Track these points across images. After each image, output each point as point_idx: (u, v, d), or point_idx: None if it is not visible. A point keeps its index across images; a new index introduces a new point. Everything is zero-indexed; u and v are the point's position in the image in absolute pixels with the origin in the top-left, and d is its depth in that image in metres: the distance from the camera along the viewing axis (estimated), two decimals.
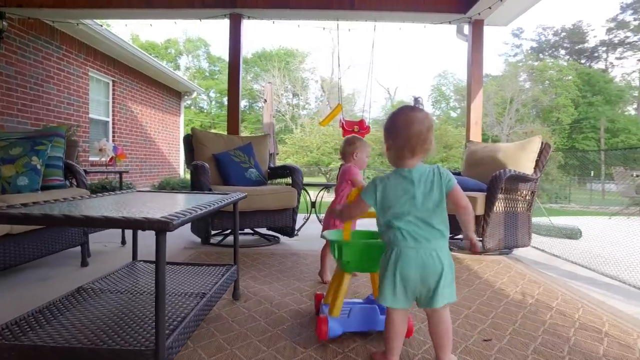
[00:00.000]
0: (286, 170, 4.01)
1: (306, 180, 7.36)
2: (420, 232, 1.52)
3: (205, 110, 37.98)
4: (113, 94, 8.41)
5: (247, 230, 4.16)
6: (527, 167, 3.67)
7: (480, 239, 3.45)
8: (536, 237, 4.36)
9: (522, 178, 3.55)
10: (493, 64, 51.69)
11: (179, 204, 1.74)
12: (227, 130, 5.68)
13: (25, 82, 5.95)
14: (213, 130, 31.61)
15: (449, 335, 1.54)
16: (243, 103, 38.40)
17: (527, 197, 3.72)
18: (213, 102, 38.43)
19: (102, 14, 5.68)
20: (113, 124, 8.43)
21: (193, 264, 2.27)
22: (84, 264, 2.90)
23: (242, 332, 1.84)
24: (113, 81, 8.35)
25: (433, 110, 34.67)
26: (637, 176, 8.35)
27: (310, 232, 4.58)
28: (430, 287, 1.49)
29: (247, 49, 39.32)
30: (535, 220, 5.24)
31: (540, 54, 32.42)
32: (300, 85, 36.60)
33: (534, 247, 3.94)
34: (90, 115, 7.59)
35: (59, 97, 6.66)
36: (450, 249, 3.51)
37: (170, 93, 11.16)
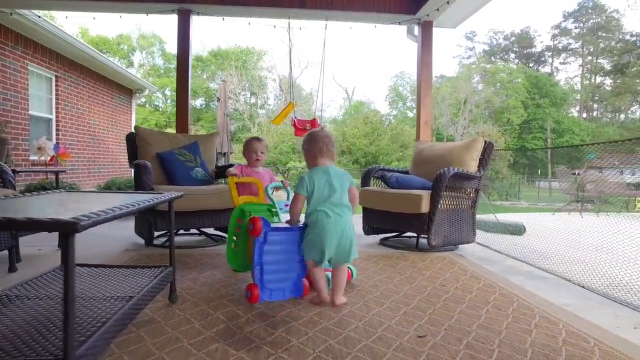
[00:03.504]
0: (224, 169, 3.93)
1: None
2: (337, 210, 2.17)
3: (160, 109, 36.93)
4: (57, 90, 7.99)
5: (194, 231, 4.05)
6: (471, 165, 3.77)
7: (426, 236, 3.51)
8: (482, 234, 4.50)
9: (466, 176, 3.64)
10: (448, 66, 53.23)
11: (102, 204, 1.64)
12: (176, 128, 5.53)
13: None
14: (169, 129, 30.81)
15: (344, 282, 2.26)
16: (199, 102, 37.69)
17: (472, 195, 3.82)
18: (169, 101, 37.42)
19: (41, 4, 5.39)
20: (57, 121, 8.02)
21: (127, 266, 2.17)
22: (12, 269, 2.71)
23: (174, 336, 1.77)
24: (56, 76, 7.94)
25: (390, 110, 35.27)
26: (578, 174, 8.77)
27: None
28: (345, 248, 2.16)
29: (203, 47, 38.60)
30: (481, 217, 5.41)
31: (492, 57, 33.69)
32: (257, 84, 36.25)
33: (479, 244, 4.05)
34: (31, 112, 7.18)
35: None
36: (397, 247, 3.58)
37: (121, 90, 10.75)
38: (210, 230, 4.11)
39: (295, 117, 5.94)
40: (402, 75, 34.73)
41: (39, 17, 6.14)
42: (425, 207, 3.43)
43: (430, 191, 3.47)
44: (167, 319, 1.96)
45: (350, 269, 2.66)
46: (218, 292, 2.40)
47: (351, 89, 39.85)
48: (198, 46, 37.86)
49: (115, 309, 1.54)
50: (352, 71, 50.58)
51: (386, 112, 34.72)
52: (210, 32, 52.16)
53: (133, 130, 4.04)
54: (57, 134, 8.01)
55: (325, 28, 5.78)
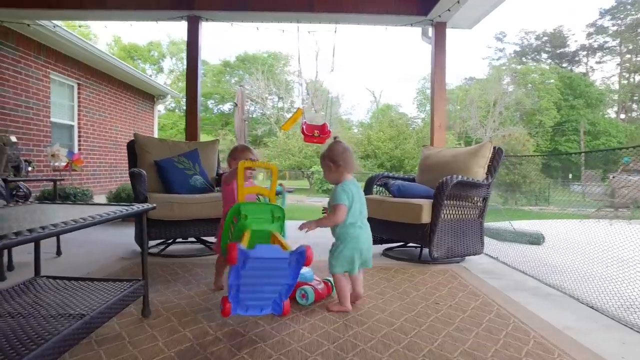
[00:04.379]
0: None
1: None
2: (365, 221, 2.40)
3: None
4: (79, 98, 8.19)
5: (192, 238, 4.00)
6: (477, 173, 3.57)
7: (420, 246, 3.34)
8: (495, 244, 4.27)
9: (471, 184, 3.44)
10: (477, 67, 52.15)
11: (58, 217, 1.59)
12: (186, 135, 5.53)
13: None
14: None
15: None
16: (228, 106, 38.21)
17: (479, 204, 3.62)
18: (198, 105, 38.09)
19: (54, 14, 5.51)
20: (79, 128, 8.21)
21: (98, 279, 2.11)
22: (2, 278, 2.73)
23: (132, 355, 1.70)
24: (78, 84, 8.14)
25: (418, 113, 34.78)
26: (613, 178, 8.32)
27: None
28: (369, 255, 2.39)
29: (230, 53, 39.18)
30: (496, 225, 5.16)
31: (523, 58, 32.73)
32: (284, 88, 36.47)
33: (488, 255, 3.84)
34: (53, 119, 7.37)
35: (15, 100, 6.44)
36: (399, 258, 3.41)
37: (143, 96, 10.95)
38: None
39: (305, 123, 5.83)
40: (429, 77, 34.17)
41: (55, 26, 6.28)
42: (426, 217, 3.26)
43: (432, 200, 3.30)
44: (133, 335, 1.89)
45: (330, 282, 2.54)
46: (196, 306, 2.32)
47: (378, 92, 39.65)
48: (225, 52, 38.54)
49: (61, 329, 1.47)
50: (379, 74, 50.21)
51: (414, 115, 34.28)
52: (237, 38, 52.92)
53: (134, 137, 4.04)
54: (79, 140, 8.20)
55: (335, 32, 5.67)
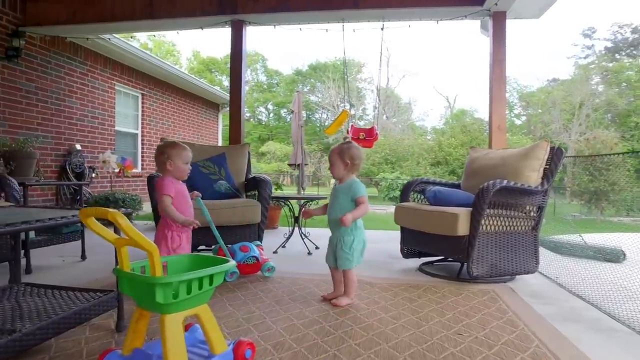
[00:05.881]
0: (254, 182, 3.68)
1: (293, 193, 7.00)
2: None
3: (263, 122, 38.80)
4: (142, 107, 8.58)
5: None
6: (530, 177, 3.05)
7: (455, 261, 2.89)
8: (562, 260, 3.66)
9: (521, 191, 2.94)
10: (562, 68, 48.39)
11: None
12: (230, 139, 5.49)
13: (46, 97, 6.14)
14: (270, 142, 32.09)
15: None
16: (302, 116, 38.85)
17: (532, 214, 3.09)
18: (271, 115, 39.21)
19: (109, 27, 5.74)
20: (142, 136, 8.59)
21: (73, 288, 1.98)
22: (14, 281, 2.73)
23: None
24: (142, 94, 8.52)
25: None
26: None
27: (296, 249, 4.20)
28: None
29: (302, 61, 39.88)
30: (567, 238, 4.49)
31: (617, 54, 29.68)
32: (356, 95, 36.31)
33: (542, 274, 3.27)
34: (117, 128, 7.76)
35: (82, 110, 6.83)
36: (435, 275, 3.00)
37: (206, 105, 11.29)
38: None
39: (352, 125, 5.55)
40: (507, 81, 32.13)
41: (110, 39, 6.58)
42: (463, 229, 2.82)
43: (470, 209, 2.85)
44: (92, 352, 1.72)
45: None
46: None
47: (453, 97, 38.14)
48: (298, 59, 39.28)
49: None
50: (454, 78, 48.35)
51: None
52: (308, 46, 53.83)
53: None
54: (142, 148, 8.58)
55: (382, 29, 5.34)
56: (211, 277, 1.47)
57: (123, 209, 2.03)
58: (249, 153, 4.12)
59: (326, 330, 2.02)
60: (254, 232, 3.40)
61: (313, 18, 5.33)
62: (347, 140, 2.59)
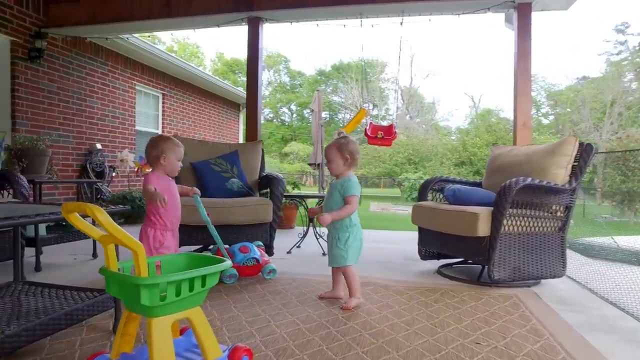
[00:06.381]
0: (267, 180, 3.58)
1: (314, 193, 6.86)
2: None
3: (287, 123, 38.91)
4: (163, 107, 8.63)
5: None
6: (557, 175, 2.86)
7: (475, 263, 2.73)
8: (593, 264, 3.43)
9: (547, 189, 2.75)
10: (593, 65, 46.88)
11: None
12: (246, 137, 5.43)
13: (68, 97, 6.21)
14: (293, 143, 32.13)
15: None
16: (323, 115, 38.84)
17: (559, 214, 2.89)
18: (294, 115, 39.29)
19: (127, 27, 5.75)
20: None
21: (70, 287, 1.92)
22: (22, 278, 2.71)
23: None
24: (163, 94, 8.57)
25: None
26: None
27: (311, 249, 4.08)
28: None
29: (325, 62, 39.84)
30: (598, 241, 4.25)
31: None
32: (379, 96, 36.05)
33: (571, 278, 3.06)
34: (137, 128, 7.82)
35: (103, 111, 6.90)
36: (454, 278, 2.84)
37: (227, 105, 11.30)
38: None
39: (370, 123, 5.40)
40: (534, 79, 31.31)
41: (128, 38, 6.61)
42: (483, 229, 2.65)
43: (491, 208, 2.68)
44: (84, 355, 1.64)
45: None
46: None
47: (477, 97, 37.42)
48: (320, 60, 39.24)
49: None
50: (479, 77, 47.40)
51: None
52: (332, 45, 53.73)
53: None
54: None
55: (401, 23, 5.17)
56: (203, 278, 1.37)
57: (118, 206, 1.96)
58: (262, 150, 4.02)
59: (333, 336, 1.90)
60: (266, 231, 3.30)
61: (330, 14, 5.21)
62: (343, 134, 2.44)
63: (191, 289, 1.34)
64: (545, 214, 2.84)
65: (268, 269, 2.90)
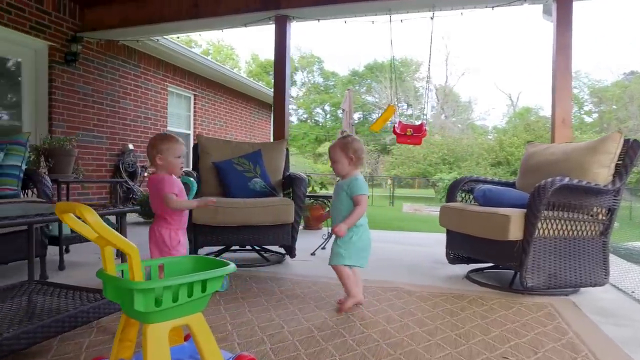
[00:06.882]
0: (290, 180, 3.50)
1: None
2: None
3: (320, 124, 38.95)
4: (194, 108, 8.74)
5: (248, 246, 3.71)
6: (598, 175, 2.63)
7: (507, 268, 2.54)
8: (635, 272, 3.17)
9: (587, 190, 2.54)
10: None
11: None
12: (273, 137, 5.38)
13: (102, 99, 6.37)
14: (327, 143, 32.24)
15: None
16: (357, 115, 38.64)
17: (600, 217, 2.67)
18: (328, 116, 39.28)
19: (157, 29, 5.84)
20: (194, 136, 8.74)
21: (83, 289, 1.90)
22: (43, 276, 2.74)
23: None
24: (194, 95, 8.68)
25: None
26: None
27: None
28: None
29: (358, 62, 39.60)
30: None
31: None
32: (413, 95, 35.51)
33: (615, 287, 2.82)
34: (169, 128, 7.94)
35: (136, 112, 7.04)
36: (485, 284, 2.67)
37: (259, 105, 11.36)
38: (275, 248, 3.73)
39: (399, 121, 5.25)
40: (577, 75, 29.96)
41: (158, 40, 6.70)
42: (515, 233, 2.47)
43: (525, 210, 2.50)
44: (89, 358, 1.60)
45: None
46: None
47: (516, 95, 36.23)
48: (354, 60, 39.04)
49: None
50: (517, 75, 45.87)
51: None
52: (365, 45, 53.41)
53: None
54: None
55: (432, 18, 4.99)
56: (204, 282, 1.30)
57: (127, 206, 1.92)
58: (287, 150, 3.95)
59: (348, 346, 1.79)
60: (287, 232, 3.23)
61: (358, 10, 5.08)
62: (346, 134, 2.40)
63: (190, 294, 1.26)
64: (585, 216, 2.62)
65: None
